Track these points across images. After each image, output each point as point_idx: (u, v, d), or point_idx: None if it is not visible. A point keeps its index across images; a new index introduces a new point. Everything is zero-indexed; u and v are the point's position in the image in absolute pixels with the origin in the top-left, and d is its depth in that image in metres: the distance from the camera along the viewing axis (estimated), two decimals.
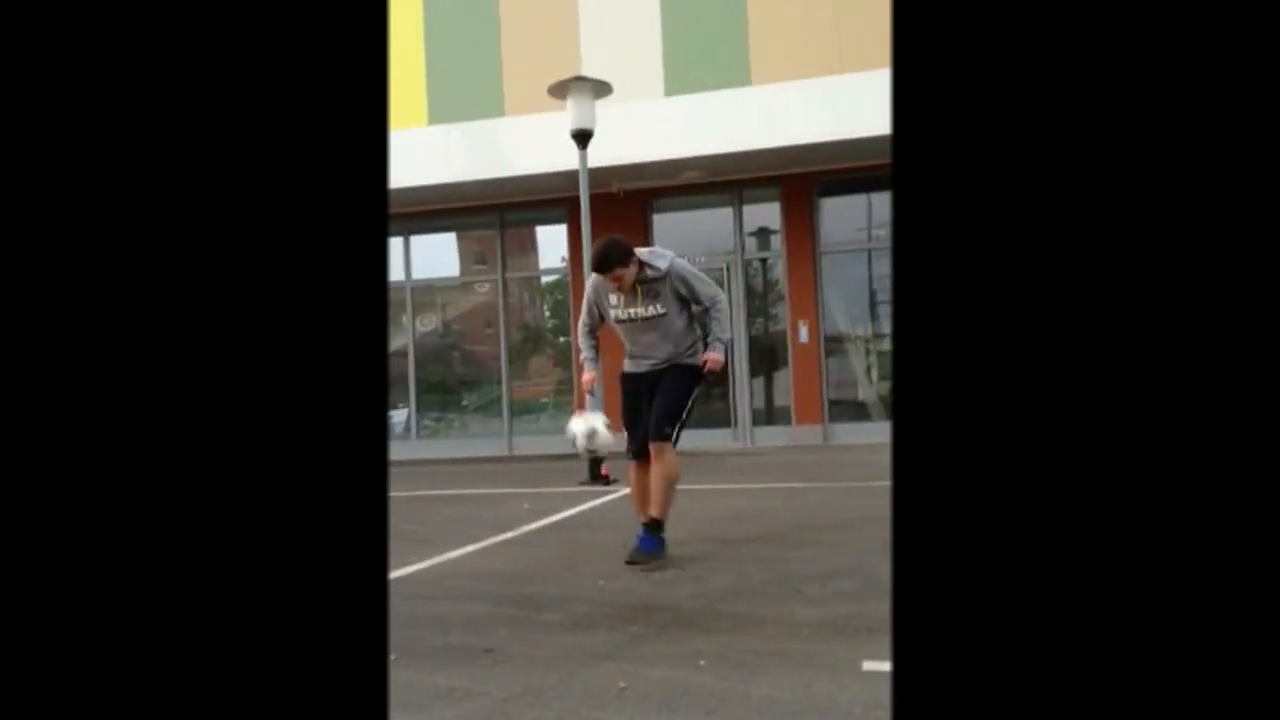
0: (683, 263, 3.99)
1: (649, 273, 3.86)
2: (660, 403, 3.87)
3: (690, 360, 3.94)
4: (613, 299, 3.93)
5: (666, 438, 3.82)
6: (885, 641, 2.49)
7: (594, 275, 3.95)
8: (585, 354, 4.13)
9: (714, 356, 3.90)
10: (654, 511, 3.85)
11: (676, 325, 3.92)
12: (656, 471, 3.84)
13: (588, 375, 4.14)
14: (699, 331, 4.01)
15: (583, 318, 4.13)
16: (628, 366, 4.05)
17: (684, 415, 3.90)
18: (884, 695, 2.08)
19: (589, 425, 4.06)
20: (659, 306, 3.88)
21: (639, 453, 3.92)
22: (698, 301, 3.95)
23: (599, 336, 4.13)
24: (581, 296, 4.12)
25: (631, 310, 3.90)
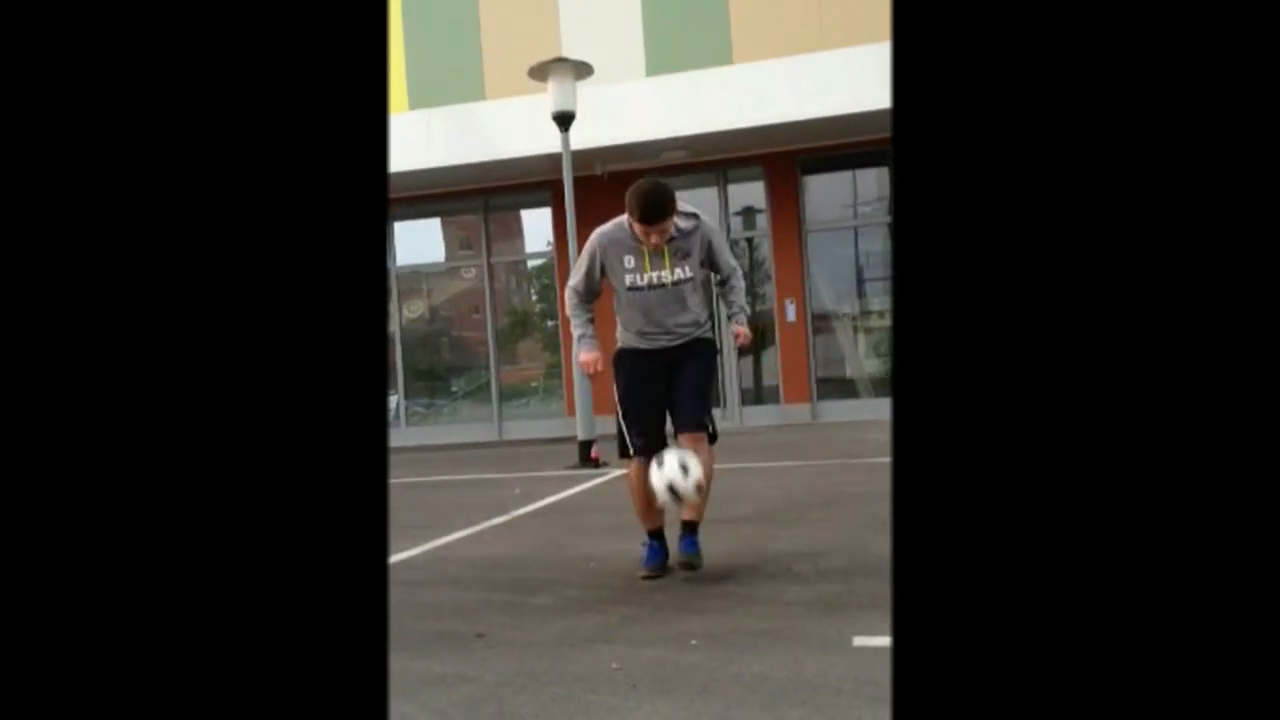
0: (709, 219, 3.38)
1: (681, 226, 3.20)
2: (690, 388, 3.28)
3: (708, 335, 3.38)
4: (629, 261, 3.22)
5: (705, 428, 3.28)
6: (875, 617, 2.51)
7: (606, 231, 3.27)
8: (581, 329, 3.36)
9: (745, 330, 3.41)
10: (695, 515, 3.25)
11: (698, 293, 3.33)
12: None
13: (588, 355, 3.34)
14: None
15: (575, 282, 3.35)
16: (633, 343, 3.34)
17: (711, 401, 3.38)
18: (875, 671, 2.10)
19: (670, 477, 3.05)
20: (687, 269, 3.23)
21: (647, 448, 3.24)
22: (717, 269, 3.38)
23: (593, 310, 3.43)
24: (566, 280, 3.51)
25: (656, 274, 3.21)
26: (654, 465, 3.10)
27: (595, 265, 3.30)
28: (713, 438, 3.32)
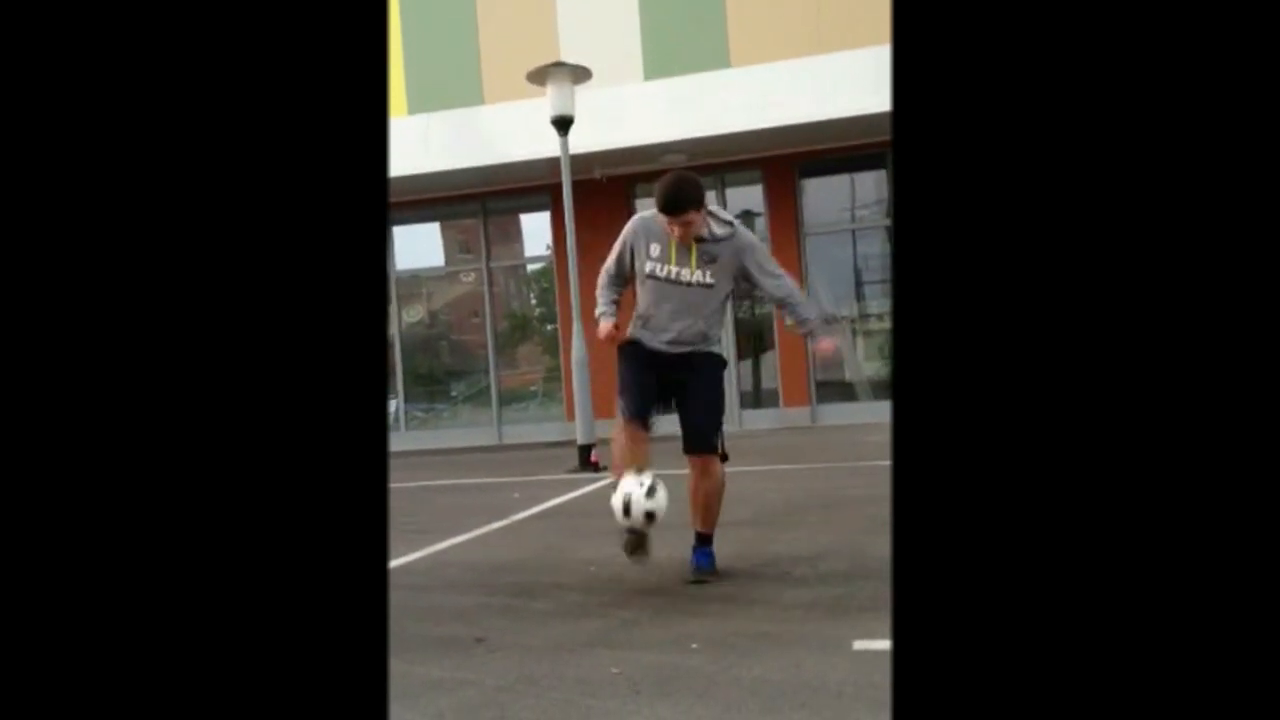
0: (750, 233, 3.33)
1: (714, 231, 3.16)
2: (698, 406, 3.23)
3: (716, 350, 3.32)
4: (654, 249, 3.17)
5: (714, 450, 3.22)
6: (875, 621, 2.51)
7: (643, 216, 3.25)
8: (603, 308, 3.34)
9: (827, 340, 3.30)
10: (705, 527, 3.29)
11: (714, 304, 3.23)
12: (704, 487, 3.25)
13: (606, 325, 3.31)
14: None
15: (609, 263, 3.34)
16: (639, 335, 3.28)
17: (722, 419, 3.31)
18: (875, 674, 2.10)
19: (637, 494, 3.09)
20: (709, 275, 3.14)
21: (636, 416, 3.19)
22: (758, 288, 3.30)
23: (622, 295, 3.40)
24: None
25: (678, 270, 3.15)
26: (624, 483, 3.11)
27: (626, 249, 3.28)
28: (724, 456, 3.27)
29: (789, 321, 3.42)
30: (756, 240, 3.34)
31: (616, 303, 3.36)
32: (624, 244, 3.28)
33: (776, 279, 3.28)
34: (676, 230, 3.09)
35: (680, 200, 3.04)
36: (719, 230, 3.17)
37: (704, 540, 3.29)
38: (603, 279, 3.37)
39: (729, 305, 3.35)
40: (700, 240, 3.14)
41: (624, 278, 3.35)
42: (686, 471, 3.31)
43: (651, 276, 3.18)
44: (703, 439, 3.22)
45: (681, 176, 3.12)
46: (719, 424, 3.27)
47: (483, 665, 2.40)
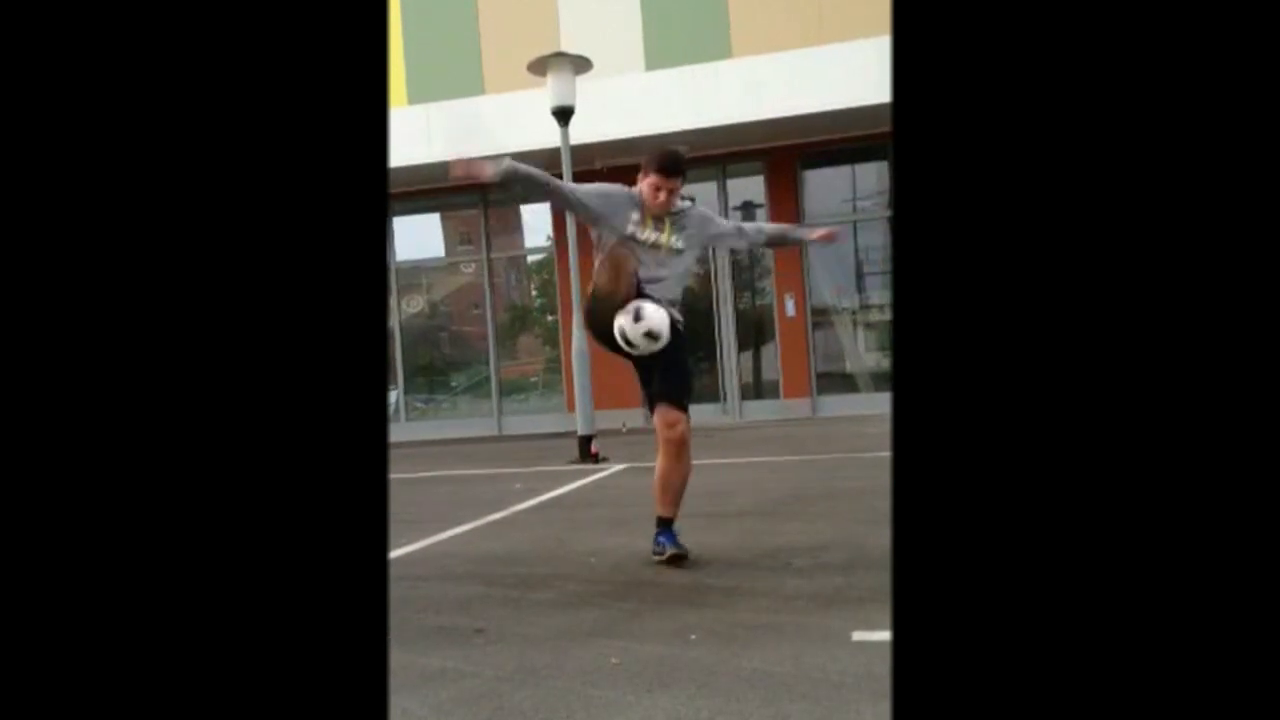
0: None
1: (682, 204, 3.44)
2: (670, 369, 3.33)
3: (678, 328, 3.38)
4: (635, 215, 3.35)
5: (684, 407, 3.32)
6: (875, 612, 2.51)
7: (629, 188, 3.40)
8: (507, 163, 3.24)
9: (823, 232, 3.66)
10: (667, 511, 3.41)
11: (681, 270, 3.45)
12: (679, 471, 3.35)
13: (480, 164, 3.20)
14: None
15: (573, 184, 3.52)
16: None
17: (690, 388, 3.43)
18: (875, 665, 2.10)
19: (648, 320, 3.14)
20: (681, 241, 3.39)
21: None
22: (727, 234, 3.63)
23: (538, 191, 3.39)
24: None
25: (655, 235, 3.36)
26: (629, 316, 3.14)
27: (602, 203, 3.37)
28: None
29: (791, 237, 3.91)
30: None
31: (525, 179, 3.29)
32: (604, 196, 3.38)
33: (728, 225, 3.71)
34: (663, 195, 3.29)
35: (680, 167, 3.33)
36: (682, 203, 3.46)
37: (665, 524, 3.41)
38: (543, 173, 3.36)
39: (684, 286, 3.52)
40: (672, 211, 3.40)
41: (564, 200, 3.45)
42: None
43: (630, 238, 3.34)
44: (672, 396, 3.31)
45: (675, 149, 3.41)
46: (689, 389, 3.44)
47: (482, 656, 2.40)
